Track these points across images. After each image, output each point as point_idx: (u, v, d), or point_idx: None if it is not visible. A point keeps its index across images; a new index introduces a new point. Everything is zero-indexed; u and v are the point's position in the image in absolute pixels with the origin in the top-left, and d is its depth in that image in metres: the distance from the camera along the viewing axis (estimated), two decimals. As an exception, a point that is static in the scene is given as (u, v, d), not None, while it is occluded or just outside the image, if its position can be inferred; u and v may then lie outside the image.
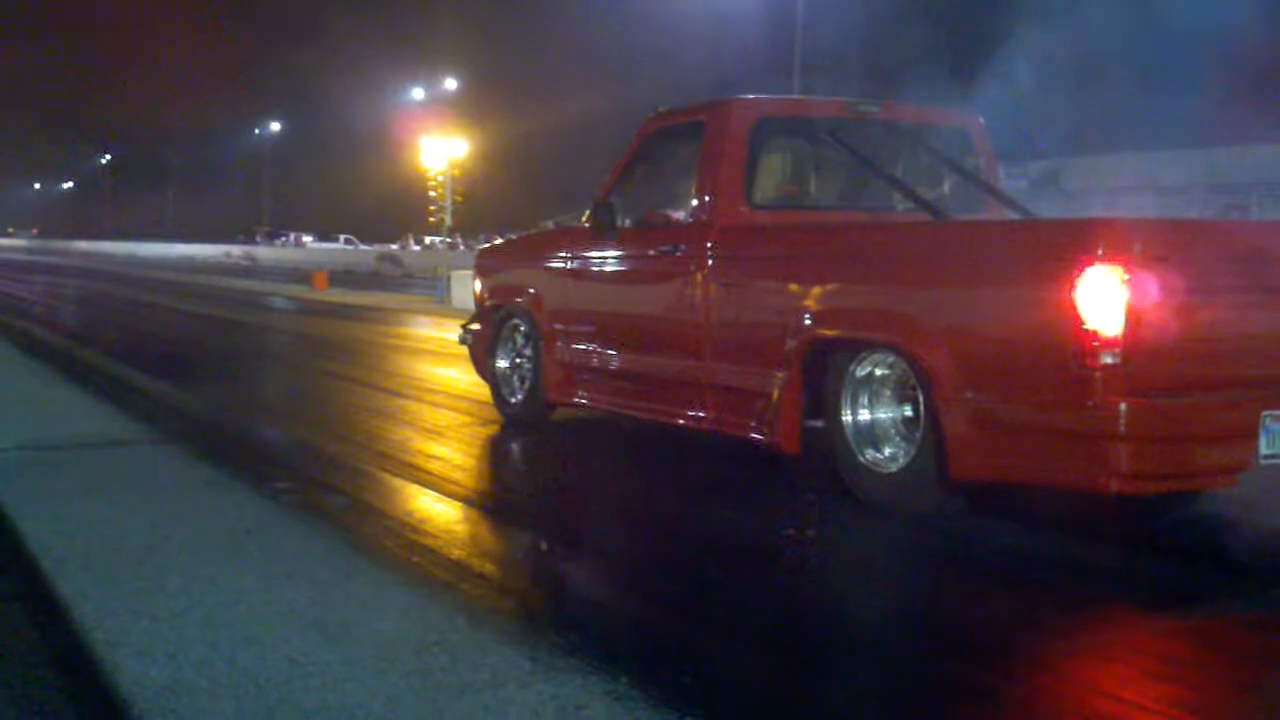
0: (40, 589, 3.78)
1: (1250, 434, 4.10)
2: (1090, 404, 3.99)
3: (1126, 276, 3.95)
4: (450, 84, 55.45)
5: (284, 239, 65.27)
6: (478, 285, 7.47)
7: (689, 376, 5.65)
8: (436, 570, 3.97)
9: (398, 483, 5.49)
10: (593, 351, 6.37)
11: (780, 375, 5.07)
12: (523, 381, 6.87)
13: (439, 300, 19.59)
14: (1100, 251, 3.98)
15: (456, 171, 52.86)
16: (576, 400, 6.52)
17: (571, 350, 6.48)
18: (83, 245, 61.24)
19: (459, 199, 55.26)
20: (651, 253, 5.95)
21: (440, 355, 10.92)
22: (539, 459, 6.53)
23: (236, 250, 54.28)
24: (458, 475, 5.78)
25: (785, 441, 5.09)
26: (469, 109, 49.98)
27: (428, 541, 4.35)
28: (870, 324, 4.81)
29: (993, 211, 6.06)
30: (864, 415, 4.84)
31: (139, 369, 9.69)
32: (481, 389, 7.39)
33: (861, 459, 4.80)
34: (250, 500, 5.03)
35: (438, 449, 6.32)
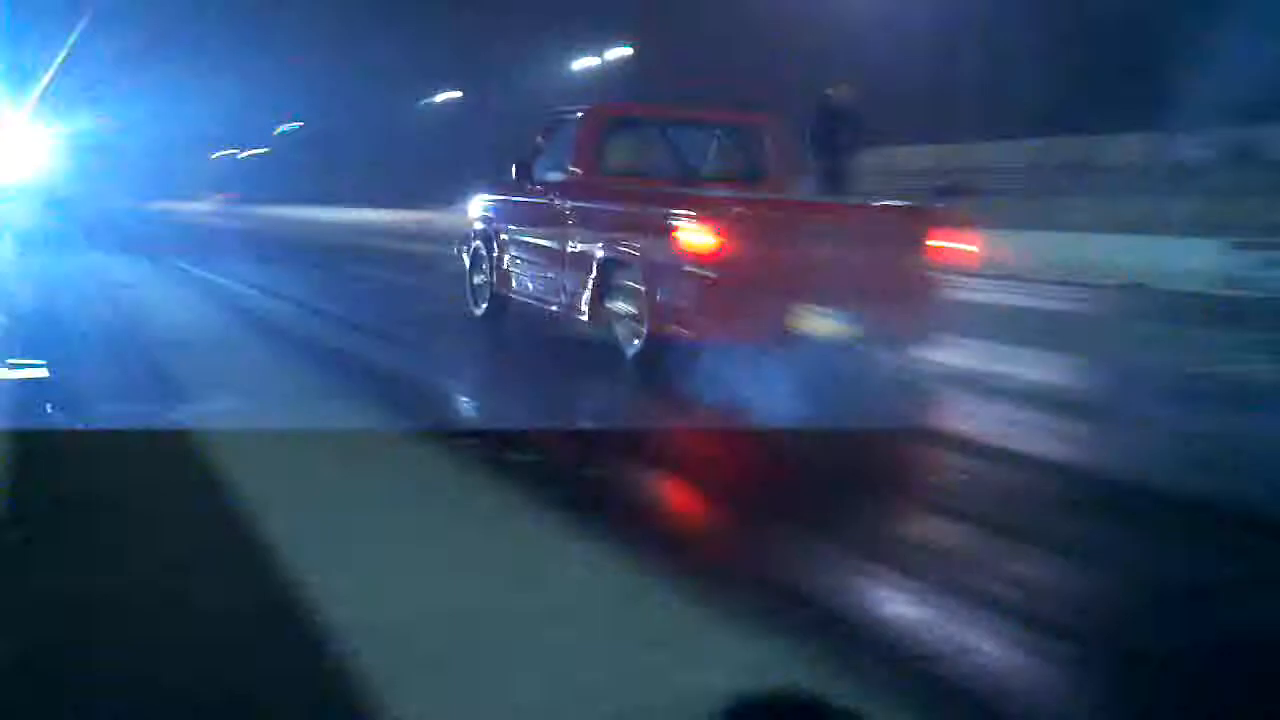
0: (247, 534, 3.91)
1: (785, 315, 7.34)
2: (701, 296, 7.35)
3: (719, 226, 7.33)
4: (622, 51, 55.95)
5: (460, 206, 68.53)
6: (470, 215, 11.06)
7: (556, 279, 9.09)
8: (632, 529, 4.12)
9: (588, 442, 5.95)
10: (516, 260, 9.92)
11: (591, 277, 8.46)
12: (488, 280, 10.39)
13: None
14: (706, 214, 7.40)
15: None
16: (510, 294, 10.02)
17: (508, 260, 10.07)
18: (268, 210, 62.18)
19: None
20: (543, 199, 9.41)
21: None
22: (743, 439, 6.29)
23: (419, 215, 57.65)
24: (651, 435, 6.24)
25: (591, 318, 8.45)
26: (641, 76, 51.31)
27: (618, 499, 4.65)
28: (631, 251, 8.09)
29: (772, 186, 9.40)
30: (620, 300, 8.20)
31: (332, 327, 10.28)
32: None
33: (619, 327, 8.16)
34: (444, 454, 5.26)
35: (631, 405, 7.23)
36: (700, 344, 7.39)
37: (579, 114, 9.44)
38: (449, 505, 4.50)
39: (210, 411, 6.10)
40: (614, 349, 8.08)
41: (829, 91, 13.26)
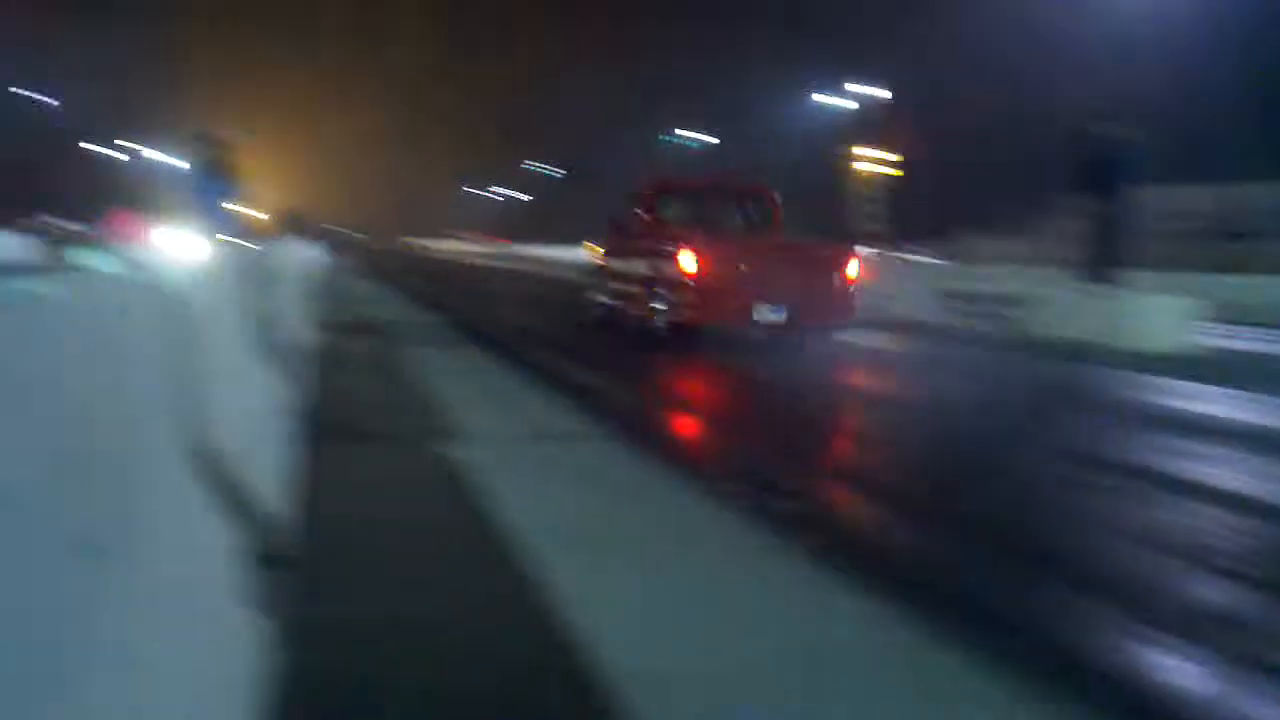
0: (523, 574, 3.88)
1: (746, 309, 11.63)
2: (689, 296, 11.73)
3: (698, 253, 11.70)
4: (880, 94, 56.06)
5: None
6: (595, 257, 15.76)
7: (627, 293, 13.52)
8: (896, 586, 3.81)
9: (849, 493, 5.57)
10: (615, 284, 14.30)
11: (642, 289, 12.85)
12: (605, 302, 14.83)
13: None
14: (689, 242, 11.78)
15: (889, 174, 54.40)
16: (608, 307, 14.44)
17: (611, 284, 14.54)
18: (525, 250, 66.30)
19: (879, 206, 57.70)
20: (621, 241, 13.97)
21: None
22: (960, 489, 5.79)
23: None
24: (917, 491, 5.64)
25: (645, 315, 12.60)
26: (896, 118, 51.62)
27: (881, 553, 4.31)
28: (659, 270, 12.42)
29: (772, 232, 13.64)
30: (659, 302, 12.45)
31: (583, 367, 10.51)
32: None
33: (657, 318, 12.42)
34: (702, 499, 5.09)
35: (894, 461, 6.46)
36: (697, 327, 11.77)
37: (644, 183, 14.07)
38: (697, 540, 4.46)
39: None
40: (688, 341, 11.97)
41: (1100, 130, 13.53)
